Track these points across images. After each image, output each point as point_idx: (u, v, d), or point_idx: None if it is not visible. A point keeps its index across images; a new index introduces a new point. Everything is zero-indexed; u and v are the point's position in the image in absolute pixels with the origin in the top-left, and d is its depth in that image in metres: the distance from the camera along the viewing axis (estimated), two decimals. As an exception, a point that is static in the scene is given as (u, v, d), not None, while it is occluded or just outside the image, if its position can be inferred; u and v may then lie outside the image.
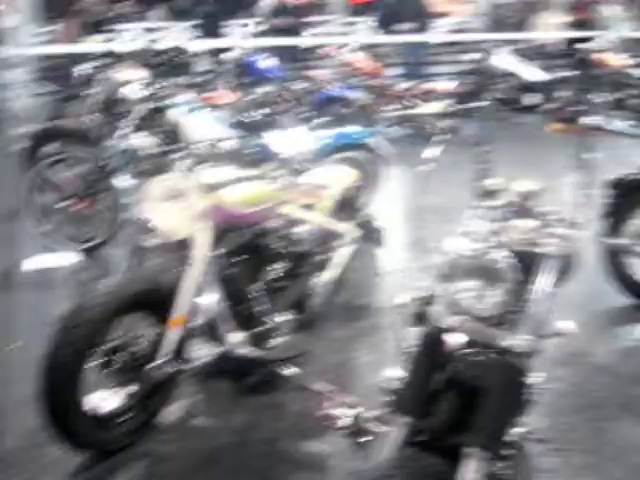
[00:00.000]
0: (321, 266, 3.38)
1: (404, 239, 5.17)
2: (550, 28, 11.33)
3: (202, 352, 2.93)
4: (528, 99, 9.06)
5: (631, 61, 10.35)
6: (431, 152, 2.20)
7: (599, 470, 2.75)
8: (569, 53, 11.18)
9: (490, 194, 2.07)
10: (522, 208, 2.07)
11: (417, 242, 4.88)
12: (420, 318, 2.02)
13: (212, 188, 2.91)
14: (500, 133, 9.25)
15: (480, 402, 1.91)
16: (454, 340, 1.94)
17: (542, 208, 2.10)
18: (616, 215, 4.03)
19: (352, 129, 5.25)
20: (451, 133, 2.38)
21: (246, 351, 3.00)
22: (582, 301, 4.04)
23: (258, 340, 3.03)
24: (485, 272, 1.93)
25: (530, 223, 2.04)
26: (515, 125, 9.60)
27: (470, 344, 1.95)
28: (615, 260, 4.08)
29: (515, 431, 2.06)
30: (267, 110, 6.48)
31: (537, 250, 1.97)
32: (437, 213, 5.21)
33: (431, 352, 1.99)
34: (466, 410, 1.95)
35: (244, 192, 3.05)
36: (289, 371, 3.16)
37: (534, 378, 2.17)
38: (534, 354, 1.99)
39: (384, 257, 4.64)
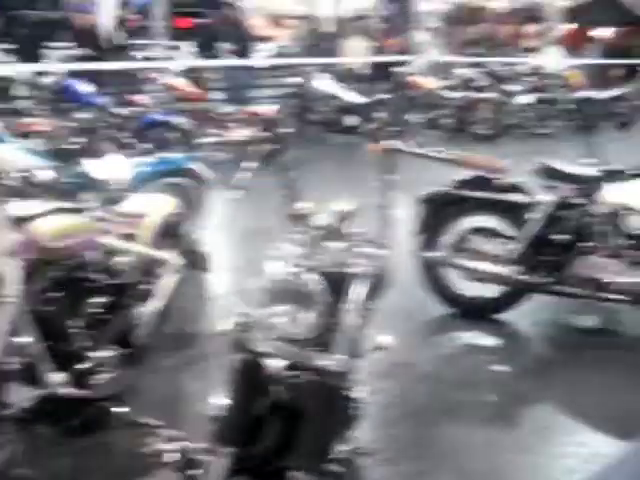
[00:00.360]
0: (145, 296, 3.29)
1: (231, 263, 5.17)
2: (359, 53, 11.82)
3: (21, 396, 2.75)
4: (348, 121, 9.38)
5: (442, 83, 11.06)
6: (240, 178, 2.21)
7: (428, 475, 2.87)
8: (386, 76, 11.74)
9: (300, 218, 2.11)
10: (332, 230, 2.12)
11: (244, 266, 4.89)
12: (240, 344, 2.02)
13: (22, 221, 2.76)
14: (322, 154, 9.63)
15: (302, 424, 1.93)
16: (272, 365, 1.95)
17: (352, 229, 2.17)
18: (430, 229, 4.26)
19: (175, 155, 5.20)
20: (270, 157, 2.40)
21: (69, 391, 2.85)
22: (404, 314, 4.23)
23: (81, 379, 2.89)
24: (297, 295, 1.96)
25: (340, 245, 2.09)
26: (337, 146, 9.96)
27: (288, 367, 1.97)
28: (432, 273, 4.30)
29: (342, 448, 2.10)
30: (86, 137, 6.26)
31: (348, 271, 2.03)
32: (263, 235, 5.24)
33: (251, 378, 1.99)
34: (290, 433, 1.97)
35: (58, 224, 2.92)
36: (116, 408, 3.03)
37: (358, 393, 2.22)
38: (352, 371, 2.04)
39: (212, 282, 4.61)
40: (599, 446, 2.95)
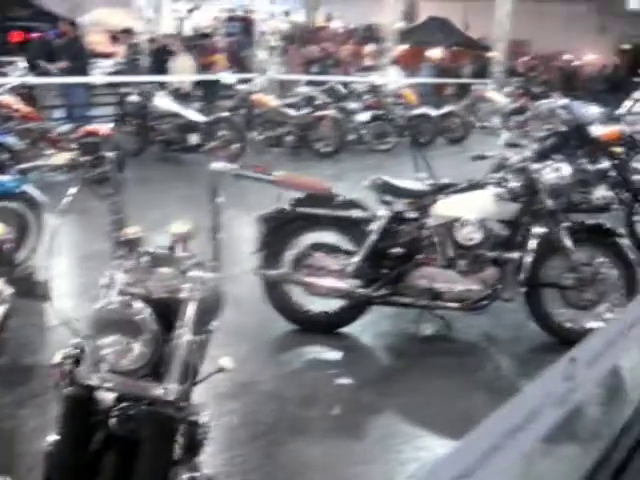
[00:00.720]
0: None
1: (71, 290, 4.95)
2: (185, 71, 11.74)
3: None
4: (190, 139, 9.30)
5: (284, 101, 11.23)
6: (66, 202, 2.14)
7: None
8: (231, 94, 11.78)
9: (129, 243, 2.06)
10: (162, 256, 2.09)
11: (84, 292, 4.70)
12: (69, 378, 1.94)
13: None
14: (163, 174, 9.45)
15: (138, 456, 1.88)
16: (103, 397, 1.89)
17: (185, 253, 2.14)
18: (271, 247, 4.29)
19: (4, 178, 4.92)
20: (98, 180, 2.31)
21: None
22: (249, 333, 4.25)
23: None
24: (125, 325, 1.91)
25: (169, 270, 2.06)
26: (179, 165, 9.84)
27: (119, 399, 1.92)
28: (275, 290, 4.33)
29: (186, 475, 2.06)
30: None
31: (177, 296, 2.00)
32: (97, 261, 5.08)
33: (81, 413, 1.92)
34: (127, 466, 1.91)
35: None
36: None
37: (199, 418, 2.19)
38: (187, 398, 2.01)
39: (49, 311, 4.38)
40: (438, 449, 3.07)
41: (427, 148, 10.06)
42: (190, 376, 2.01)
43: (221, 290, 2.29)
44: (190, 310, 1.99)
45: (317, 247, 4.30)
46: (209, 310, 2.13)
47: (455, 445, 1.86)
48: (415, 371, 3.94)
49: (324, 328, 4.33)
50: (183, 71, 11.53)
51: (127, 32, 13.02)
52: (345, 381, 3.95)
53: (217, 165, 3.54)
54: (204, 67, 13.00)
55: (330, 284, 4.22)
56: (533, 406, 2.27)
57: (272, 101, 10.95)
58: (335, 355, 4.22)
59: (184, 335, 1.95)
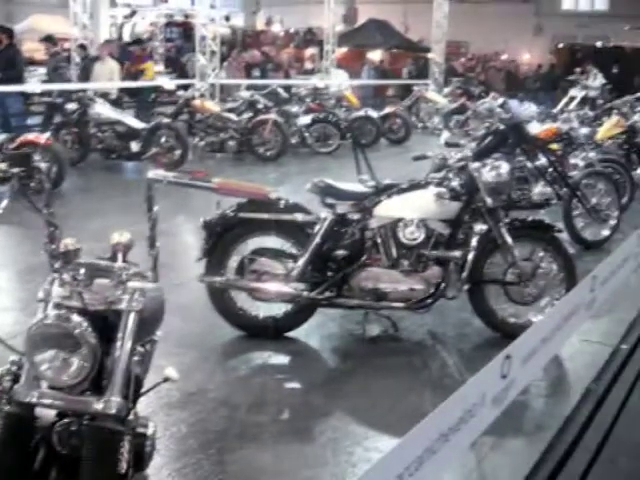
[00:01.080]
0: None
1: (10, 305, 4.83)
2: (109, 77, 11.44)
3: None
4: (133, 146, 9.19)
5: (226, 106, 11.19)
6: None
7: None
8: (173, 100, 11.69)
9: (66, 255, 2.02)
10: (99, 266, 2.06)
11: (24, 307, 4.59)
12: (9, 395, 1.89)
13: None
14: (104, 182, 9.31)
15: (82, 472, 1.85)
16: (45, 414, 1.86)
17: (122, 263, 2.12)
18: (215, 253, 4.25)
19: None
20: (32, 191, 2.26)
21: None
22: (196, 340, 4.22)
23: None
24: (63, 339, 1.87)
25: (107, 281, 2.03)
26: (120, 173, 9.72)
27: (62, 415, 1.88)
28: (220, 297, 4.31)
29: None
30: None
31: (117, 308, 1.98)
32: (36, 274, 4.98)
33: (22, 431, 1.88)
34: (72, 482, 1.88)
35: None
36: None
37: (148, 429, 2.16)
38: (129, 410, 1.98)
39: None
40: (388, 449, 3.08)
41: (370, 149, 10.12)
42: (133, 388, 1.99)
43: (162, 299, 2.27)
44: (130, 321, 1.96)
45: (261, 252, 4.30)
46: (151, 320, 2.12)
47: (391, 449, 1.89)
48: (362, 372, 3.95)
49: (272, 333, 4.31)
50: (107, 77, 11.22)
51: (49, 40, 12.71)
52: (293, 385, 3.95)
53: (153, 174, 3.71)
54: (132, 74, 12.75)
55: (275, 289, 4.21)
56: (469, 406, 2.33)
57: (214, 106, 10.91)
58: (283, 360, 4.21)
59: (124, 347, 1.93)
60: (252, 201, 4.26)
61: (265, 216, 4.23)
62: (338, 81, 12.64)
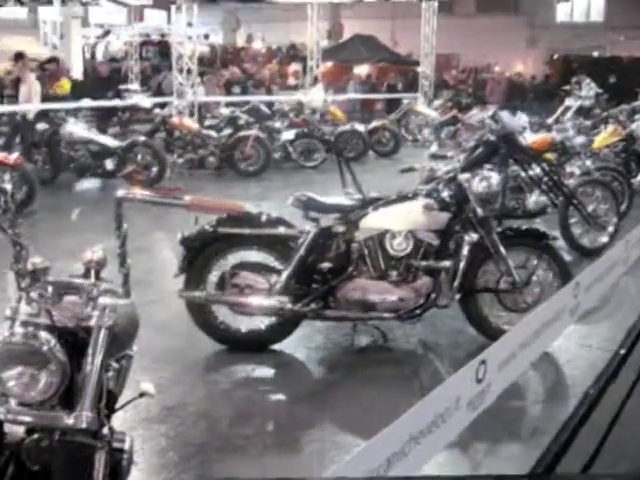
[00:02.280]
0: None
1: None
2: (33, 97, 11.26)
3: None
4: (108, 164, 9.29)
5: (207, 122, 11.37)
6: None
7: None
8: (150, 119, 11.84)
9: (34, 273, 2.11)
10: (68, 284, 2.16)
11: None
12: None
13: None
14: (78, 201, 9.35)
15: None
16: (14, 431, 1.94)
17: (92, 280, 2.24)
18: (195, 269, 4.36)
19: None
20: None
21: None
22: (176, 355, 4.29)
23: None
24: (30, 356, 1.95)
25: (76, 299, 2.12)
26: (94, 191, 9.80)
27: (31, 431, 1.96)
28: (201, 312, 4.39)
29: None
30: None
31: (86, 324, 2.08)
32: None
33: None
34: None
35: None
36: None
37: (125, 444, 2.23)
38: (104, 425, 2.07)
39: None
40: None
41: (357, 162, 10.31)
42: (106, 403, 2.10)
43: (135, 315, 2.37)
44: (100, 337, 2.05)
45: (242, 266, 4.42)
46: (124, 336, 2.23)
47: (359, 449, 1.96)
48: (350, 383, 4.02)
49: (256, 346, 4.40)
50: (31, 97, 11.07)
51: (19, 57, 12.76)
52: (279, 397, 4.02)
53: (122, 192, 3.89)
54: (49, 93, 12.72)
55: (258, 302, 4.31)
56: (441, 409, 2.41)
57: (192, 124, 11.07)
58: (267, 372, 4.27)
59: (95, 363, 2.01)
60: (232, 217, 4.38)
61: (246, 231, 4.35)
62: (316, 96, 12.86)
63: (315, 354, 4.45)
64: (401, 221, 4.34)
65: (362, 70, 18.52)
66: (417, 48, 18.14)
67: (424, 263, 4.32)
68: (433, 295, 4.34)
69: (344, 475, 1.93)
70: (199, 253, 4.36)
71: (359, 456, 2.04)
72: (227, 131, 10.56)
